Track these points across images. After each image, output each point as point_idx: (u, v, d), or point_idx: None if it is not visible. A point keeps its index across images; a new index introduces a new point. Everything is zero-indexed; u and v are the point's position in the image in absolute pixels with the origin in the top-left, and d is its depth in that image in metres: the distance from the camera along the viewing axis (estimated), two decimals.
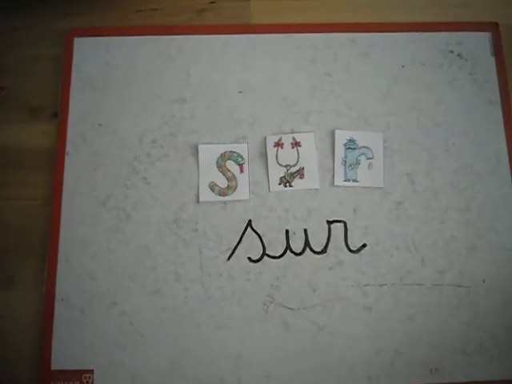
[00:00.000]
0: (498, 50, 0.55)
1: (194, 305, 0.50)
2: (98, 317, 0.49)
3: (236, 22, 0.57)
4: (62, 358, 0.49)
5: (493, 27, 0.56)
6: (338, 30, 0.56)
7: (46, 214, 0.52)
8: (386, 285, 0.50)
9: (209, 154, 0.53)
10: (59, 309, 0.50)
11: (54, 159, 0.53)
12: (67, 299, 0.50)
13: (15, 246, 0.51)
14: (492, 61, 0.55)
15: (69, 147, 0.53)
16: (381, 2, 0.58)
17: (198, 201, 0.52)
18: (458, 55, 0.55)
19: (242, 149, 0.53)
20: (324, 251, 0.51)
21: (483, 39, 0.56)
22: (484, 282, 0.50)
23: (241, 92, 0.54)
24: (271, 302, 0.50)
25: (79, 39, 0.56)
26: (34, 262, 0.51)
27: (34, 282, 0.50)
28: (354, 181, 0.52)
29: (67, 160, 0.53)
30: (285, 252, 0.51)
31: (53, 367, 0.48)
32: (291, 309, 0.50)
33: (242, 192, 0.52)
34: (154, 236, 0.51)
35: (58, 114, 0.54)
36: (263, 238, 0.51)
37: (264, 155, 0.53)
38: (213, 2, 0.58)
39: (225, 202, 0.52)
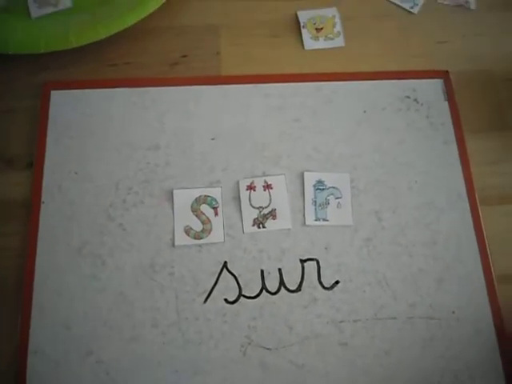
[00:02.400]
0: (450, 95, 0.60)
1: (172, 350, 0.49)
2: (74, 367, 0.49)
3: (206, 74, 0.60)
4: None
5: (444, 74, 0.60)
6: (304, 79, 0.60)
7: (21, 264, 0.51)
8: (360, 320, 0.51)
9: (183, 198, 0.54)
10: (33, 362, 0.49)
11: (28, 209, 0.53)
12: (41, 351, 0.49)
13: None
14: (445, 105, 0.59)
15: (44, 196, 0.54)
16: (342, 53, 0.62)
17: (173, 245, 0.53)
18: (415, 100, 0.59)
19: (215, 193, 0.55)
20: (299, 289, 0.52)
21: (436, 85, 0.60)
22: (454, 313, 0.52)
23: (213, 139, 0.57)
24: (249, 344, 0.50)
25: (55, 92, 0.58)
26: (6, 314, 0.50)
27: (7, 334, 0.49)
28: (324, 220, 0.54)
29: (43, 209, 0.53)
30: (261, 292, 0.52)
31: None
32: (269, 349, 0.50)
33: (217, 235, 0.53)
34: (130, 282, 0.51)
35: (34, 164, 0.54)
36: (239, 279, 0.52)
37: (237, 198, 0.55)
38: (184, 56, 0.61)
39: (200, 245, 0.53)
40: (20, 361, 0.48)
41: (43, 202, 0.53)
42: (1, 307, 0.50)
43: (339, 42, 0.62)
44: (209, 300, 0.51)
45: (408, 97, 0.59)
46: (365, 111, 0.59)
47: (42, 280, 0.51)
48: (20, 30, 0.57)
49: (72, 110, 0.57)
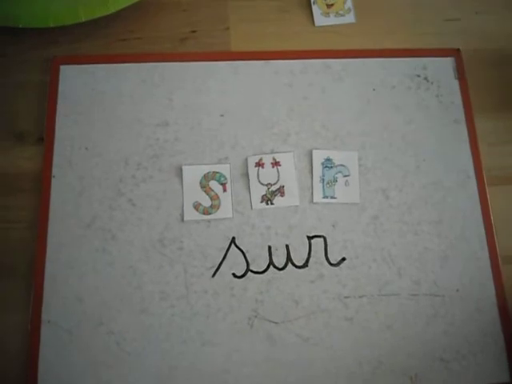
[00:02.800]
0: (461, 74, 0.59)
1: (181, 322, 0.51)
2: (85, 337, 0.50)
3: (216, 50, 0.60)
4: (49, 380, 0.49)
5: (455, 53, 0.60)
6: (314, 56, 0.59)
7: (32, 237, 0.52)
8: (365, 296, 0.52)
9: (192, 174, 0.55)
10: (46, 331, 0.50)
11: (39, 183, 0.54)
12: (54, 321, 0.50)
13: (2, 268, 0.52)
14: (456, 83, 0.59)
15: (55, 171, 0.54)
16: (353, 30, 0.61)
17: (182, 220, 0.53)
18: (425, 79, 0.59)
19: (224, 169, 0.55)
20: (305, 265, 0.53)
21: (447, 64, 0.60)
22: (458, 290, 0.53)
23: (222, 115, 0.57)
24: (256, 317, 0.51)
25: (65, 66, 0.58)
26: (19, 285, 0.51)
27: (21, 304, 0.51)
28: (332, 197, 0.55)
29: (53, 183, 0.54)
30: (268, 267, 0.53)
31: None
32: (275, 322, 0.51)
33: (226, 210, 0.54)
34: (140, 256, 0.52)
35: (44, 139, 0.55)
36: (247, 255, 0.53)
37: (246, 175, 0.55)
38: (194, 31, 0.61)
39: (209, 221, 0.54)
40: (33, 331, 0.50)
41: (54, 177, 0.54)
42: (14, 278, 0.52)
43: (350, 18, 0.62)
44: (217, 274, 0.52)
45: (418, 75, 0.59)
46: (374, 89, 0.58)
47: (54, 253, 0.52)
48: (30, 4, 0.57)
49: (81, 85, 0.57)
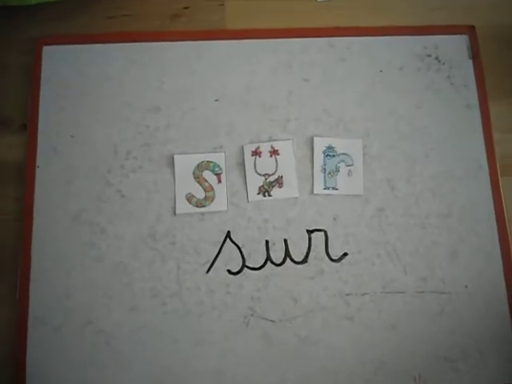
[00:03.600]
0: (475, 53, 0.55)
1: (173, 321, 0.48)
2: (74, 335, 0.48)
3: (210, 28, 0.55)
4: (36, 378, 0.47)
5: (470, 30, 0.55)
6: (315, 34, 0.55)
7: (17, 229, 0.50)
8: (368, 294, 0.49)
9: (185, 164, 0.51)
10: (33, 328, 0.48)
11: (23, 173, 0.51)
12: (42, 317, 0.48)
13: None
14: (470, 64, 0.54)
15: (39, 160, 0.51)
16: (358, 5, 0.57)
17: (174, 213, 0.50)
18: (436, 59, 0.55)
19: (219, 158, 0.52)
20: (305, 261, 0.50)
21: (460, 42, 0.55)
22: (466, 287, 0.50)
23: (217, 100, 0.53)
24: (252, 315, 0.49)
25: (48, 47, 0.54)
26: (5, 280, 0.49)
27: (7, 300, 0.48)
28: (334, 189, 0.51)
29: (38, 173, 0.51)
30: (265, 263, 0.50)
31: None
32: (272, 321, 0.49)
33: (220, 203, 0.51)
34: (130, 251, 0.50)
35: (28, 126, 0.52)
36: (243, 250, 0.50)
37: (242, 164, 0.52)
38: (186, 8, 0.56)
39: (202, 214, 0.51)
40: (20, 328, 0.48)
41: (38, 166, 0.51)
42: (0, 272, 0.49)
43: None
44: (211, 270, 0.50)
45: (429, 55, 0.55)
46: (381, 70, 0.54)
47: (40, 247, 0.49)
48: None
49: (66, 68, 0.53)
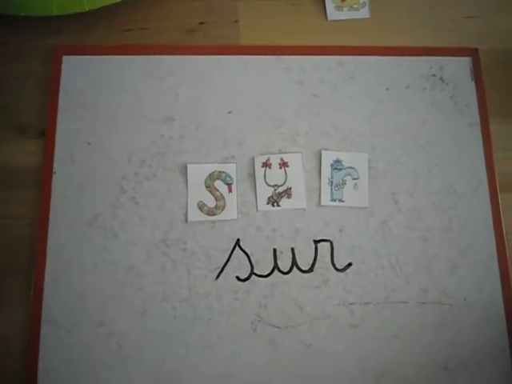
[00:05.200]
0: (477, 75, 0.57)
1: (183, 325, 0.50)
2: (85, 337, 0.49)
3: (225, 43, 0.57)
4: (48, 379, 0.48)
5: (473, 52, 0.58)
6: (326, 52, 0.57)
7: (33, 233, 0.51)
8: (371, 303, 0.51)
9: (197, 173, 0.53)
10: (46, 330, 0.49)
11: (41, 178, 0.52)
12: (54, 320, 0.49)
13: (2, 265, 0.51)
14: (472, 85, 0.57)
15: (56, 166, 0.53)
16: (367, 25, 0.59)
17: (186, 220, 0.52)
18: (440, 79, 0.57)
19: (230, 169, 0.53)
20: (311, 270, 0.52)
21: (464, 64, 0.57)
22: (465, 299, 0.52)
23: (230, 112, 0.55)
24: (259, 321, 0.50)
25: (67, 57, 0.56)
26: (20, 283, 0.50)
27: (21, 302, 0.50)
28: (340, 201, 0.53)
29: (55, 179, 0.52)
30: (272, 271, 0.52)
31: None
32: (278, 327, 0.50)
33: (231, 211, 0.52)
34: (142, 256, 0.51)
35: (46, 133, 0.53)
36: (251, 257, 0.52)
37: (252, 175, 0.53)
38: (202, 23, 0.58)
39: (213, 222, 0.52)
40: (33, 330, 0.49)
41: (55, 173, 0.53)
42: (15, 276, 0.51)
43: (364, 13, 0.59)
44: (220, 277, 0.51)
45: (434, 75, 0.57)
46: (387, 89, 0.56)
47: (55, 251, 0.51)
48: None
49: (84, 77, 0.55)
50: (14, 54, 0.56)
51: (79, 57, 0.56)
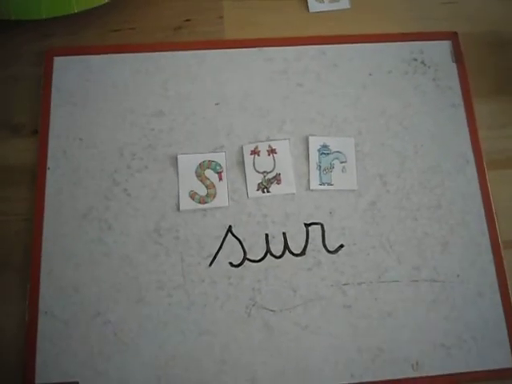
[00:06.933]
0: (458, 57, 0.58)
1: (178, 311, 0.50)
2: (82, 328, 0.50)
3: (210, 38, 0.59)
4: (46, 370, 0.49)
5: (452, 36, 0.59)
6: (308, 43, 0.59)
7: (28, 228, 0.52)
8: (364, 283, 0.52)
9: (188, 163, 0.54)
10: (43, 321, 0.50)
11: (35, 175, 0.54)
12: (51, 312, 0.50)
13: None
14: (454, 67, 0.58)
15: (50, 162, 0.54)
16: (347, 15, 0.61)
17: (178, 209, 0.53)
18: (422, 62, 0.58)
19: (219, 158, 0.55)
20: (303, 253, 0.52)
21: (444, 47, 0.59)
22: (458, 276, 0.52)
23: (217, 104, 0.56)
24: (253, 305, 0.51)
25: (58, 58, 0.57)
26: (16, 277, 0.51)
27: (17, 295, 0.50)
28: (329, 184, 0.54)
29: (49, 175, 0.54)
30: (265, 256, 0.52)
31: (37, 381, 0.48)
32: (273, 311, 0.51)
33: (222, 199, 0.53)
34: (136, 246, 0.52)
35: (39, 131, 0.55)
36: (243, 243, 0.52)
37: (241, 163, 0.55)
38: (188, 20, 0.60)
39: (205, 210, 0.53)
40: (30, 322, 0.49)
41: (49, 168, 0.54)
42: (11, 270, 0.51)
43: (344, 3, 0.61)
44: (214, 263, 0.52)
45: (415, 59, 0.58)
46: (370, 74, 0.58)
47: (50, 244, 0.52)
48: None
49: (75, 77, 0.57)
50: (7, 58, 0.58)
51: (70, 57, 0.58)
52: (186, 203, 0.53)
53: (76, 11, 0.57)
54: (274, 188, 0.54)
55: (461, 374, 0.50)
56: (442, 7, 0.61)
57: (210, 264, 0.52)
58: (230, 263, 0.52)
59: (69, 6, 0.56)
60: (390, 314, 0.51)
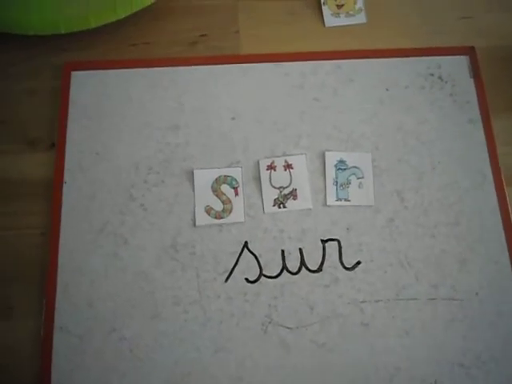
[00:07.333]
0: (476, 72, 0.58)
1: (194, 328, 0.50)
2: (98, 344, 0.49)
3: (226, 53, 0.59)
4: None
5: (470, 51, 0.59)
6: (324, 57, 0.59)
7: (45, 242, 0.52)
8: (381, 301, 0.51)
9: (204, 178, 0.54)
10: (58, 337, 0.50)
11: (51, 189, 0.54)
12: (66, 327, 0.50)
13: (15, 275, 0.52)
14: (471, 82, 0.58)
15: (66, 176, 0.54)
16: (364, 30, 0.61)
17: (194, 224, 0.53)
18: (439, 77, 0.58)
19: (236, 173, 0.54)
20: (320, 269, 0.52)
21: (461, 62, 0.59)
22: (477, 294, 0.51)
23: (233, 118, 0.56)
24: (270, 322, 0.50)
25: (76, 72, 0.58)
26: (33, 291, 0.51)
27: (33, 311, 0.50)
28: (346, 200, 0.54)
29: (65, 189, 0.54)
30: (281, 272, 0.52)
31: None
32: (289, 328, 0.50)
33: (238, 214, 0.53)
34: (152, 261, 0.52)
35: (56, 145, 0.55)
36: (259, 259, 0.52)
37: (257, 178, 0.54)
38: (203, 35, 0.60)
39: (221, 225, 0.53)
40: (46, 337, 0.49)
41: (65, 182, 0.54)
42: (27, 284, 0.51)
43: (361, 18, 0.61)
44: (230, 279, 0.51)
45: (432, 74, 0.58)
46: (387, 89, 0.57)
47: (66, 259, 0.52)
48: (40, 11, 0.57)
49: (92, 91, 0.57)
50: (24, 72, 0.59)
51: (87, 71, 0.58)
52: (202, 218, 0.53)
53: (93, 26, 0.57)
54: (290, 203, 0.54)
55: None
56: (457, 22, 0.61)
57: (226, 280, 0.51)
58: (246, 279, 0.51)
59: (86, 21, 0.57)
60: (407, 333, 0.50)
